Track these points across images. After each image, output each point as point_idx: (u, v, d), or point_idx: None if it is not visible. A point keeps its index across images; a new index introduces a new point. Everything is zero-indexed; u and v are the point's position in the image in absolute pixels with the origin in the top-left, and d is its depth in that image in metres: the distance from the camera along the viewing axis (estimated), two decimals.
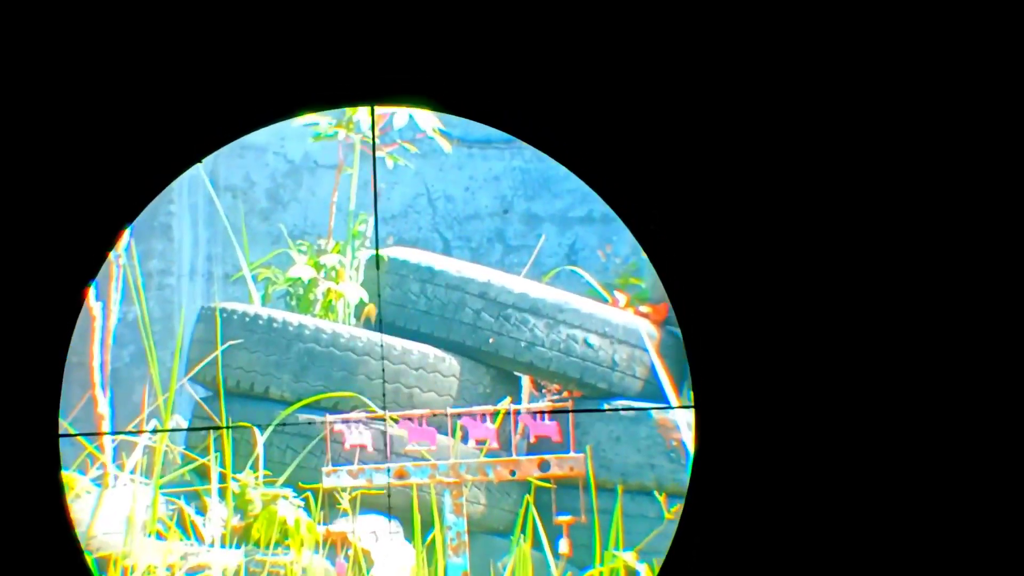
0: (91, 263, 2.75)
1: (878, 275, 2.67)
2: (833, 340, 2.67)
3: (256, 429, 6.58)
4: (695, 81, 2.71)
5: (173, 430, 6.85)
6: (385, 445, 6.61)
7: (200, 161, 2.82)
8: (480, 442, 6.53)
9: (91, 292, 6.65)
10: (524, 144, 2.99)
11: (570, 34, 2.70)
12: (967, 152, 2.67)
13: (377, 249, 7.57)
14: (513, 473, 6.12)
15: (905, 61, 2.68)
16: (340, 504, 6.44)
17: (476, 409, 6.65)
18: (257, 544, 6.10)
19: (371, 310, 7.38)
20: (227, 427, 6.53)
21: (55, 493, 2.73)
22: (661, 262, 2.77)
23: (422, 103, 2.88)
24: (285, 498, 6.21)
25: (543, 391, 7.45)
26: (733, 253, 2.70)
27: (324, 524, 6.26)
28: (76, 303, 2.76)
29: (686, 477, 5.41)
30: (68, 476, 6.08)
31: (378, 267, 7.39)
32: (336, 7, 2.71)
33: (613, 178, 2.77)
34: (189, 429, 6.98)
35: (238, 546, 6.10)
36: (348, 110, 7.78)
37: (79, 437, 6.91)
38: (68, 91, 2.69)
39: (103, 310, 6.73)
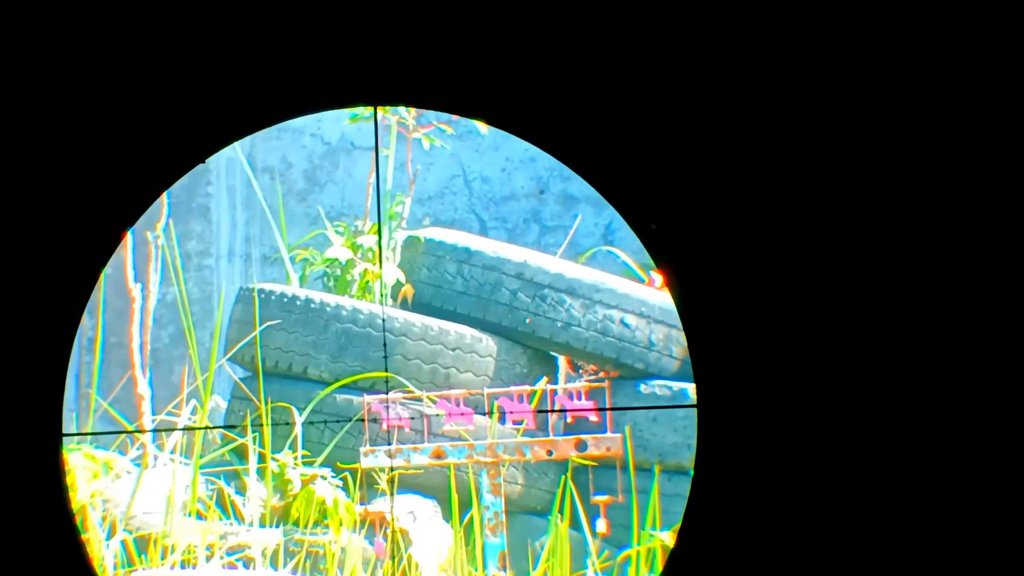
0: (91, 268, 2.74)
1: (881, 274, 2.66)
2: (836, 338, 2.66)
3: (295, 409, 6.62)
4: (698, 82, 2.70)
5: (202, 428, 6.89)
6: (423, 425, 6.63)
7: (203, 161, 2.82)
8: (517, 422, 6.54)
9: (129, 274, 6.69)
10: None
11: (574, 35, 2.69)
12: (968, 152, 2.65)
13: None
14: (550, 453, 6.13)
15: (907, 60, 2.66)
16: (378, 484, 6.47)
17: (513, 389, 6.66)
18: (296, 524, 6.13)
19: (408, 290, 7.39)
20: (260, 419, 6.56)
21: (59, 496, 2.72)
22: (663, 262, 2.76)
23: (425, 104, 2.86)
24: (323, 478, 6.25)
25: (580, 371, 7.45)
26: (736, 252, 2.69)
27: (362, 504, 6.29)
28: (77, 307, 2.75)
29: None
30: (108, 456, 6.14)
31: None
32: (338, 7, 2.70)
33: (615, 178, 2.76)
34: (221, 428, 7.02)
35: (277, 526, 6.14)
36: None
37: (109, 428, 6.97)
38: (69, 94, 2.70)
39: (142, 291, 6.77)
